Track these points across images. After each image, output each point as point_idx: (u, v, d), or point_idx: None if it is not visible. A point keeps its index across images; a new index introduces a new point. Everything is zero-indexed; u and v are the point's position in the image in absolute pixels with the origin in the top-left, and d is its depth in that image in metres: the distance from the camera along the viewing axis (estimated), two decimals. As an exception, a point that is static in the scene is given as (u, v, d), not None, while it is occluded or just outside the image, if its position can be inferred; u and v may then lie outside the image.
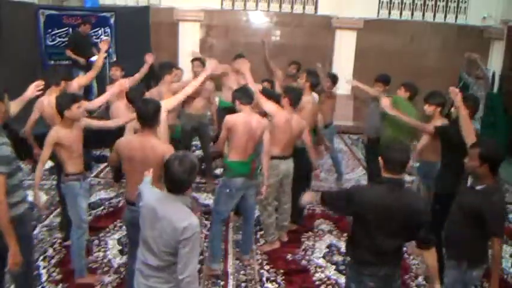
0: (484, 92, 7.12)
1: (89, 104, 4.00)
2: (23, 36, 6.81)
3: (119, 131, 3.64)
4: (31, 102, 4.12)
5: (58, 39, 7.28)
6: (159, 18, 8.14)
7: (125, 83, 4.13)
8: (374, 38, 8.44)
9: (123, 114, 4.23)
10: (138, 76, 4.98)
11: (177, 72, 5.12)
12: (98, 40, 7.41)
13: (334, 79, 5.44)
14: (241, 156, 3.59)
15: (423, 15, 8.74)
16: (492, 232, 2.59)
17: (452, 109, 3.51)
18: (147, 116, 2.86)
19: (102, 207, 4.80)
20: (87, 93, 7.12)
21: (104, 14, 7.67)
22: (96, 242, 4.10)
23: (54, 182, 4.81)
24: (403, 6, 8.71)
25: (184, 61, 7.38)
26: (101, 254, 3.93)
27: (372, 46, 8.43)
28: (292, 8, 8.73)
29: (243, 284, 3.63)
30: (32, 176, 5.44)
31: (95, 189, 5.20)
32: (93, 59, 6.86)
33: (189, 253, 2.13)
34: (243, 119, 3.58)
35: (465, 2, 8.69)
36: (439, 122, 3.86)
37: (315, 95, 4.92)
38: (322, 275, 3.79)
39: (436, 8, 8.73)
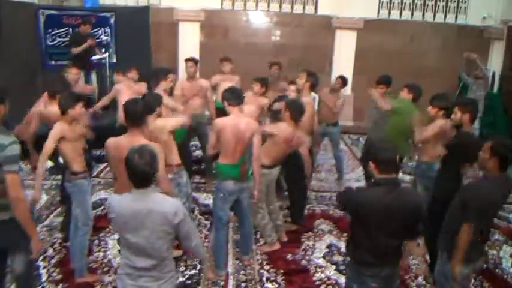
0: (484, 91, 7.14)
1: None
2: (23, 36, 6.81)
3: (119, 131, 3.63)
4: (33, 101, 4.15)
5: (58, 39, 7.28)
6: (159, 18, 8.14)
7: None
8: (374, 38, 8.44)
9: None
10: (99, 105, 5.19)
11: (172, 78, 5.14)
12: (99, 40, 7.44)
13: (344, 81, 5.56)
14: (230, 159, 3.51)
15: (423, 15, 8.75)
16: (464, 216, 2.61)
17: (452, 115, 3.49)
18: (136, 116, 2.86)
19: (102, 207, 4.79)
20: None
21: (104, 14, 7.67)
22: (96, 242, 4.10)
23: (54, 182, 4.83)
24: (403, 6, 8.72)
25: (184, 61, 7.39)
26: (101, 254, 3.93)
27: (372, 46, 8.43)
28: (292, 8, 8.73)
29: (243, 284, 3.63)
30: (32, 176, 5.45)
31: (95, 189, 5.19)
32: (94, 58, 6.88)
33: (189, 230, 2.30)
34: (231, 122, 3.49)
35: (465, 2, 8.69)
36: (440, 122, 3.86)
37: (315, 95, 4.93)
38: (322, 275, 3.79)
39: (436, 8, 8.74)
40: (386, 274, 2.49)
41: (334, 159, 5.91)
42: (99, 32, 7.56)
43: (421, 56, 8.61)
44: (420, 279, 3.82)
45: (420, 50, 8.63)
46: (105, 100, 5.43)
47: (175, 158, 3.63)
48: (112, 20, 7.69)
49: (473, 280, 3.34)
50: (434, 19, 8.76)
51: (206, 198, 5.13)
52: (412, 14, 8.74)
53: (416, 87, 4.57)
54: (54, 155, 3.48)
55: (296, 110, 3.80)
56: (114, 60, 7.53)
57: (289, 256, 4.05)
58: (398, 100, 4.56)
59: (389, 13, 8.73)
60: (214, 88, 5.55)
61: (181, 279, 3.61)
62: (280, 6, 8.72)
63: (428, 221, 3.63)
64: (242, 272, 3.78)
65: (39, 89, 6.53)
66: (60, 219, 4.33)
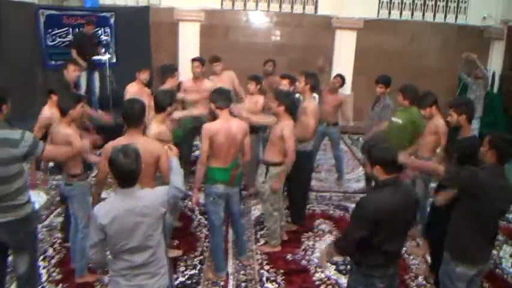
0: (484, 91, 7.14)
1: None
2: (23, 36, 6.81)
3: (120, 131, 3.63)
4: (33, 101, 4.14)
5: (58, 39, 7.29)
6: (159, 18, 8.14)
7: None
8: (374, 38, 8.44)
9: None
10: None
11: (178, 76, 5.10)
12: (102, 39, 7.45)
13: (343, 80, 5.58)
14: (222, 163, 3.44)
15: (423, 15, 8.75)
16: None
17: (449, 118, 3.48)
18: (134, 116, 2.85)
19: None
20: (90, 93, 7.15)
21: (104, 14, 7.67)
22: (96, 242, 4.09)
23: (54, 182, 4.83)
24: (403, 6, 8.72)
25: (184, 61, 7.39)
26: (101, 254, 3.93)
27: (372, 46, 8.43)
28: (292, 8, 8.73)
29: (243, 284, 3.63)
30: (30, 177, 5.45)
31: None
32: (96, 57, 6.88)
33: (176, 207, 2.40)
34: (222, 126, 3.39)
35: (465, 2, 8.69)
36: (436, 118, 3.89)
37: (315, 95, 4.93)
38: (322, 275, 3.79)
39: (436, 8, 8.74)
40: (392, 273, 2.51)
41: (334, 159, 5.91)
42: (99, 32, 7.56)
43: (421, 56, 8.61)
44: (420, 279, 3.82)
45: (420, 50, 8.63)
46: None
47: None
48: (112, 20, 7.69)
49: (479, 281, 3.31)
50: (434, 19, 8.75)
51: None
52: (412, 14, 8.74)
53: (409, 90, 4.39)
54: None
55: (291, 102, 3.78)
56: (114, 60, 7.53)
57: (289, 256, 4.05)
58: (411, 113, 4.40)
59: (390, 13, 8.72)
60: None
61: (181, 279, 3.61)
62: (280, 6, 8.72)
63: (433, 222, 3.65)
64: (242, 272, 3.78)
65: (39, 89, 6.55)
66: (60, 219, 4.33)
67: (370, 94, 5.55)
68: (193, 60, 5.44)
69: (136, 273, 2.26)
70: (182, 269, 3.75)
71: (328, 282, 3.70)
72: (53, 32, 7.22)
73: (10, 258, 2.93)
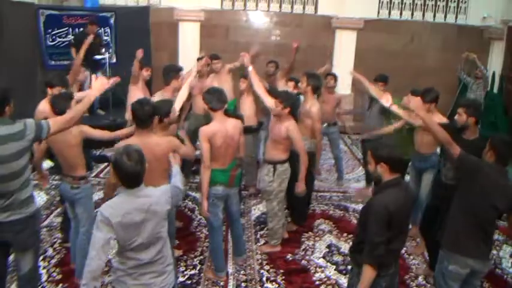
0: (483, 91, 7.15)
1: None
2: (23, 36, 6.81)
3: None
4: (33, 101, 4.16)
5: (58, 39, 7.28)
6: (159, 18, 8.14)
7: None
8: (374, 38, 8.44)
9: None
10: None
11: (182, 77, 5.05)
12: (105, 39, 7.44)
13: (336, 78, 5.58)
14: (220, 164, 3.41)
15: (423, 15, 8.75)
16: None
17: (457, 116, 3.46)
18: (145, 117, 2.87)
19: (102, 207, 4.79)
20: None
21: (104, 14, 7.67)
22: (96, 242, 4.09)
23: (54, 182, 4.82)
24: (403, 6, 8.72)
25: (185, 61, 7.40)
26: (101, 254, 3.92)
27: (372, 46, 8.43)
28: (292, 8, 8.73)
29: (243, 284, 3.63)
30: (32, 175, 5.44)
31: (95, 189, 5.18)
32: (97, 57, 6.87)
33: (174, 187, 2.46)
34: (218, 129, 3.34)
35: (465, 2, 8.69)
36: (437, 115, 3.91)
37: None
38: (322, 275, 3.79)
39: (436, 8, 8.73)
40: (393, 272, 2.52)
41: (333, 159, 5.91)
42: (99, 32, 7.55)
43: (421, 56, 8.61)
44: (420, 279, 3.82)
45: (420, 50, 8.63)
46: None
47: None
48: (112, 20, 7.69)
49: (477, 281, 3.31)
50: (434, 19, 8.75)
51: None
52: (412, 14, 8.74)
53: (430, 90, 4.25)
54: (53, 156, 3.48)
55: (293, 103, 3.77)
56: (114, 60, 7.53)
57: (289, 256, 4.05)
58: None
59: (390, 13, 8.72)
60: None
61: (181, 279, 3.61)
62: (280, 6, 8.72)
63: (430, 220, 3.67)
64: (242, 272, 3.78)
65: (39, 89, 6.54)
66: (60, 219, 4.33)
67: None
68: (199, 59, 5.42)
69: (143, 272, 2.28)
70: (182, 269, 3.75)
71: (328, 282, 3.70)
72: (53, 32, 7.21)
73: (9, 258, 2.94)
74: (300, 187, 3.86)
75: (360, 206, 4.91)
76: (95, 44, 6.90)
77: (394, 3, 8.69)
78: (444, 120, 4.00)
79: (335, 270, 3.87)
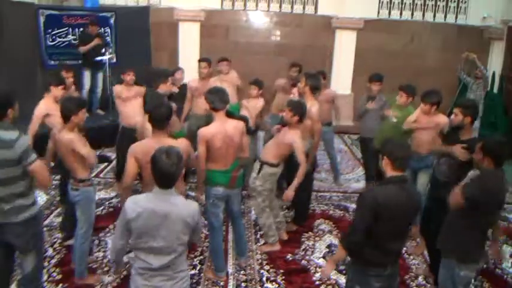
0: (483, 91, 7.15)
1: None
2: (23, 36, 6.80)
3: (129, 132, 3.63)
4: (33, 101, 4.17)
5: (58, 39, 7.27)
6: (159, 18, 8.14)
7: None
8: (374, 38, 8.45)
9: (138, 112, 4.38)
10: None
11: (176, 78, 5.07)
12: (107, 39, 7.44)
13: (325, 75, 5.57)
14: (222, 165, 3.39)
15: (423, 15, 8.75)
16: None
17: (453, 116, 3.48)
18: (161, 118, 2.90)
19: (102, 207, 4.80)
20: (92, 93, 7.14)
21: (104, 14, 7.66)
22: (96, 242, 4.10)
23: (55, 182, 4.82)
24: (403, 6, 8.72)
25: (185, 61, 7.41)
26: (101, 254, 3.93)
27: (371, 46, 8.43)
28: (292, 8, 8.73)
29: (243, 284, 3.63)
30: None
31: (95, 189, 5.19)
32: (99, 58, 6.87)
33: (199, 228, 2.42)
34: (218, 130, 3.31)
35: (465, 2, 8.69)
36: (440, 115, 3.90)
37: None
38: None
39: (436, 8, 8.74)
40: (389, 273, 2.50)
41: (329, 158, 5.91)
42: (102, 32, 7.55)
43: (421, 56, 8.61)
44: (420, 279, 3.82)
45: (420, 50, 8.63)
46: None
47: None
48: (112, 20, 7.68)
49: (472, 280, 3.32)
50: (434, 19, 8.75)
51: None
52: (412, 14, 8.74)
53: (410, 87, 4.52)
54: (55, 156, 3.49)
55: (303, 112, 3.77)
56: (115, 60, 7.53)
57: (289, 256, 4.05)
58: (409, 112, 4.49)
59: (390, 13, 8.72)
60: None
61: (181, 279, 3.61)
62: (280, 6, 8.72)
63: (428, 220, 3.66)
64: (242, 272, 3.78)
65: (39, 89, 6.54)
66: (60, 219, 4.33)
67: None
68: (200, 60, 5.42)
69: (154, 275, 2.29)
70: (182, 269, 3.75)
71: (328, 282, 3.70)
72: (53, 32, 7.20)
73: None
74: (287, 195, 3.84)
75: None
76: (99, 45, 6.91)
77: (394, 3, 8.69)
78: (446, 119, 4.01)
79: (335, 270, 3.86)
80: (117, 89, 4.96)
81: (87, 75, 6.98)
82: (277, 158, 3.87)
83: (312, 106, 4.17)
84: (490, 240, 3.18)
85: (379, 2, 8.64)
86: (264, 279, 3.71)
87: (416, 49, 8.62)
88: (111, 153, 6.15)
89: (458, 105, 3.41)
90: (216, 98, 3.33)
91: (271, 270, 3.83)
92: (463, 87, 7.48)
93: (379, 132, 4.68)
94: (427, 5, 8.72)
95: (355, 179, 6.13)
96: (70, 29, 7.32)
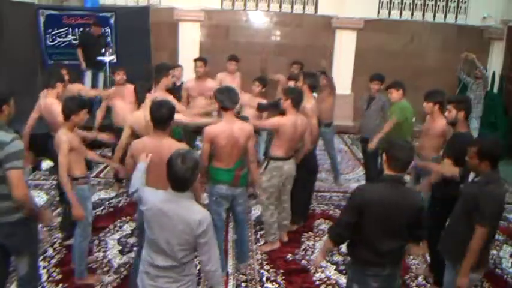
0: (483, 91, 7.15)
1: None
2: (23, 36, 6.81)
3: (119, 131, 3.64)
4: (33, 101, 4.17)
5: (58, 39, 7.28)
6: (159, 18, 8.13)
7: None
8: (374, 38, 8.45)
9: (126, 111, 4.37)
10: (93, 93, 5.01)
11: (175, 74, 5.08)
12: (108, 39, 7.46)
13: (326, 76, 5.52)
14: (225, 164, 3.41)
15: (423, 15, 8.75)
16: (477, 218, 2.54)
17: (446, 113, 3.48)
18: (162, 118, 2.88)
19: (102, 207, 4.80)
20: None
21: (104, 14, 7.66)
22: (96, 242, 4.10)
23: (55, 182, 4.83)
24: (403, 6, 8.72)
25: (184, 61, 7.39)
26: (101, 254, 3.93)
27: (371, 46, 8.43)
28: (292, 8, 8.73)
29: (243, 284, 3.63)
30: (32, 176, 5.45)
31: (94, 189, 5.19)
32: (100, 58, 6.87)
33: (209, 245, 2.23)
34: (224, 129, 3.33)
35: (465, 2, 8.69)
36: (440, 119, 3.86)
37: (315, 95, 4.92)
38: (322, 275, 3.79)
39: (436, 8, 8.74)
40: (387, 273, 2.48)
41: (329, 158, 5.91)
42: (104, 33, 7.55)
43: (421, 56, 8.61)
44: (420, 279, 3.82)
45: (420, 50, 8.63)
46: None
47: None
48: (112, 20, 7.67)
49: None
50: (434, 19, 8.75)
51: (206, 198, 5.10)
52: (412, 14, 8.74)
53: (398, 82, 4.73)
54: (54, 156, 3.48)
55: (296, 97, 3.83)
56: (115, 60, 7.52)
57: (289, 256, 4.05)
58: (402, 106, 4.63)
59: (390, 13, 8.72)
60: None
61: (181, 279, 3.61)
62: (280, 6, 8.72)
63: (430, 221, 3.65)
64: (242, 272, 3.78)
65: (39, 89, 6.55)
66: (60, 219, 4.33)
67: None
68: (196, 60, 5.42)
69: (159, 275, 2.28)
70: (182, 269, 3.75)
71: (328, 282, 3.70)
72: (53, 32, 7.21)
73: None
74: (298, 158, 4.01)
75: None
76: (100, 45, 6.91)
77: (394, 3, 8.69)
78: (443, 122, 3.99)
79: (335, 270, 3.87)
80: (109, 90, 5.08)
81: (88, 76, 6.99)
82: (279, 149, 3.87)
83: (307, 102, 4.20)
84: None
85: (379, 2, 8.64)
86: (264, 279, 3.70)
87: (416, 49, 8.62)
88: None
89: (451, 101, 3.44)
90: (226, 98, 3.34)
91: (271, 270, 3.83)
92: (463, 87, 7.47)
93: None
94: (427, 5, 8.72)
95: (355, 179, 6.12)
96: (70, 29, 7.33)
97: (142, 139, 3.02)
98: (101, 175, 5.76)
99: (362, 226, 2.42)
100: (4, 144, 2.45)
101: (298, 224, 4.58)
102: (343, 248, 4.15)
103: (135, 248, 3.73)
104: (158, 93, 4.11)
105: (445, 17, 8.76)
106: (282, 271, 3.82)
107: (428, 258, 3.94)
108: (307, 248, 4.22)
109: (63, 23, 7.28)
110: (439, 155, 3.89)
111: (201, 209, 2.28)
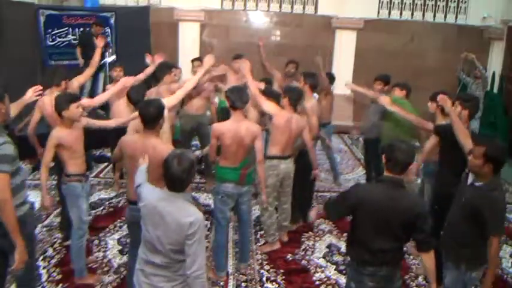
0: (483, 91, 7.16)
1: (89, 102, 4.02)
2: (23, 36, 6.80)
3: (119, 131, 3.64)
4: (32, 102, 4.17)
5: (58, 39, 7.28)
6: (159, 18, 8.14)
7: (128, 82, 4.13)
8: (374, 38, 8.44)
9: (123, 113, 4.29)
10: (142, 76, 4.81)
11: (176, 72, 5.09)
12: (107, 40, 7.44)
13: (331, 78, 5.56)
14: (231, 162, 3.48)
15: (423, 15, 8.74)
16: (490, 230, 2.56)
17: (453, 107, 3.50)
18: (149, 117, 2.85)
19: (102, 207, 4.80)
20: (93, 93, 7.14)
21: (104, 14, 7.66)
22: (96, 242, 4.10)
23: (54, 182, 4.82)
24: (403, 6, 8.71)
25: (184, 61, 7.39)
26: (101, 254, 3.93)
27: (371, 46, 8.43)
28: (292, 8, 8.73)
29: (243, 284, 3.63)
30: (32, 176, 5.45)
31: (95, 189, 5.20)
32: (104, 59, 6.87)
33: (196, 247, 2.16)
34: (231, 128, 3.40)
35: (465, 2, 8.69)
36: (441, 120, 3.85)
37: (315, 95, 4.92)
38: (322, 275, 3.79)
39: (436, 8, 8.73)
40: (384, 274, 2.48)
41: (327, 159, 5.91)
42: (105, 33, 7.55)
43: (421, 56, 8.60)
44: (420, 279, 3.82)
45: (420, 50, 8.62)
46: None
47: None
48: (112, 20, 7.68)
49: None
50: (434, 19, 8.75)
51: (206, 198, 5.13)
52: (412, 14, 8.73)
53: (405, 84, 4.78)
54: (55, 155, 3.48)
55: (294, 95, 3.87)
56: (115, 60, 7.52)
57: (289, 256, 4.05)
58: (394, 99, 4.62)
59: (390, 13, 8.72)
60: (217, 90, 5.52)
61: (181, 279, 3.61)
62: (280, 6, 8.72)
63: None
64: (242, 272, 3.78)
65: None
66: (60, 219, 4.33)
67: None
68: (193, 60, 5.43)
69: (153, 272, 2.28)
70: (182, 269, 3.75)
71: (328, 282, 3.70)
72: (53, 32, 7.20)
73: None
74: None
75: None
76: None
77: (394, 3, 8.69)
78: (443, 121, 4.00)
79: (335, 270, 3.88)
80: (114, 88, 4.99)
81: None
82: (273, 146, 3.90)
83: (307, 102, 4.22)
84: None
85: (379, 2, 8.63)
86: (264, 279, 3.71)
87: (416, 49, 8.61)
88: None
89: (459, 99, 3.50)
90: (237, 97, 3.40)
91: (271, 270, 3.84)
92: (462, 87, 7.48)
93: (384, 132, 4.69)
94: (427, 5, 8.71)
95: (355, 179, 6.13)
96: (70, 29, 7.33)
97: (131, 136, 3.06)
98: (101, 175, 5.76)
99: (356, 225, 2.47)
100: None
101: (298, 222, 4.57)
102: (343, 248, 4.17)
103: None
104: (162, 89, 4.25)
105: (445, 17, 8.76)
106: (282, 271, 3.82)
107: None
108: (307, 248, 4.22)
109: (63, 23, 7.28)
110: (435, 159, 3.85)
111: (195, 210, 2.25)
